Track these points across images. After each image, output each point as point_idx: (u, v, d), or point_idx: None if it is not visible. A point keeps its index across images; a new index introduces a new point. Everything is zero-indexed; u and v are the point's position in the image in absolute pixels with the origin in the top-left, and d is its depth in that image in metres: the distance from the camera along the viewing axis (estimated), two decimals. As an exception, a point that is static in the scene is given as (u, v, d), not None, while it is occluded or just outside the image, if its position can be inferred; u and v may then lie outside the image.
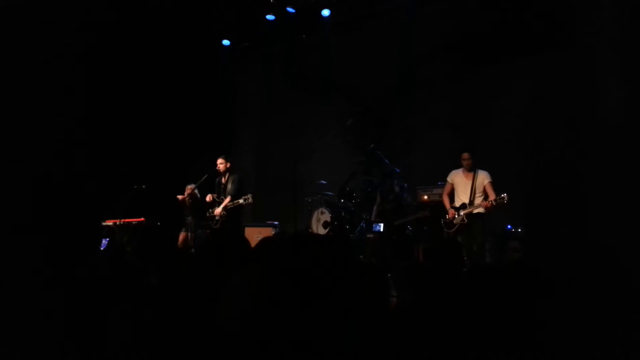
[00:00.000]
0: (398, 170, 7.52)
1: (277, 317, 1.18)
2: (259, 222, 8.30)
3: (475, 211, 6.12)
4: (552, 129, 6.88)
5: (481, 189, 6.18)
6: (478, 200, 6.14)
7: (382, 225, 7.17)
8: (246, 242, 2.22)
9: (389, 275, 3.17)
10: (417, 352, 1.49)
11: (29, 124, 6.91)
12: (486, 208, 5.99)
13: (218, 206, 6.82)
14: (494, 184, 6.14)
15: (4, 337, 2.00)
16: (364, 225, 7.63)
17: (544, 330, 1.37)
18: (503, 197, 5.85)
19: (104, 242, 7.34)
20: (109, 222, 7.69)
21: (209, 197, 6.99)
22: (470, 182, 6.22)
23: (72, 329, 2.12)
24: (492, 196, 6.02)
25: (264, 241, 1.69)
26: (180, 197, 7.56)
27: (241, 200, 6.68)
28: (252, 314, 1.20)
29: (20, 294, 2.32)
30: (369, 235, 7.34)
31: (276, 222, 8.20)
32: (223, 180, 7.01)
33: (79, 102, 7.43)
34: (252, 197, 6.66)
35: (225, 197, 6.84)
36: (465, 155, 6.29)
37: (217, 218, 6.79)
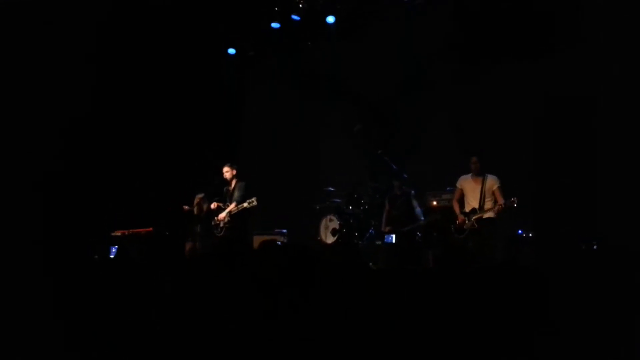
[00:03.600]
0: (406, 176, 7.47)
1: (275, 320, 1.16)
2: (267, 230, 8.27)
3: (486, 216, 6.06)
4: (560, 130, 6.83)
5: (490, 194, 6.13)
6: (488, 204, 6.10)
7: (393, 236, 7.07)
8: (251, 248, 2.19)
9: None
10: (420, 353, 1.46)
11: (35, 130, 6.94)
12: (496, 212, 5.95)
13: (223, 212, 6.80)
14: (503, 188, 6.09)
15: (8, 338, 1.99)
16: (372, 231, 7.56)
17: (546, 331, 1.33)
18: (513, 201, 5.82)
19: (113, 250, 7.34)
20: (118, 233, 7.70)
21: (214, 205, 6.96)
22: (480, 187, 6.18)
23: (78, 335, 2.10)
24: (500, 201, 5.98)
25: (262, 247, 1.66)
26: (186, 207, 7.53)
27: (245, 204, 6.59)
28: (250, 316, 1.19)
29: (26, 299, 2.31)
30: (378, 243, 7.27)
31: (284, 230, 8.16)
32: (230, 188, 6.99)
33: (85, 114, 7.46)
34: (257, 200, 6.55)
35: (231, 204, 6.81)
36: (474, 159, 6.28)
37: (221, 225, 6.76)
